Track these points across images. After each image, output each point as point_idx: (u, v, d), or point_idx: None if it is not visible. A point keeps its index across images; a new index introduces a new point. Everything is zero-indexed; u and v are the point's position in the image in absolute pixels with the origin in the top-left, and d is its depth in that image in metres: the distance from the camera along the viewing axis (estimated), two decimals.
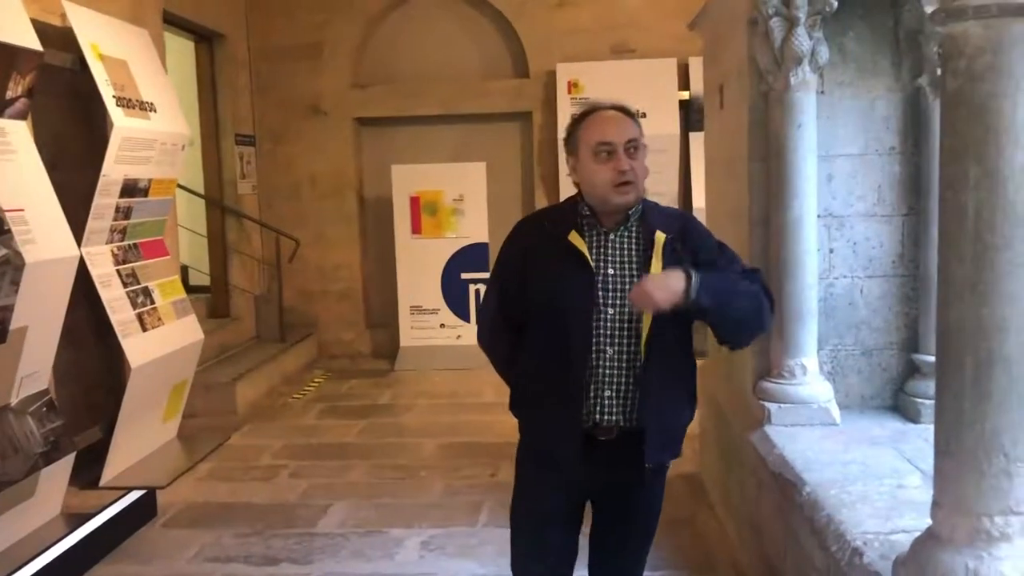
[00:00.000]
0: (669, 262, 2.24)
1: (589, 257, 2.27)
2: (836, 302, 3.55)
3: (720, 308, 2.18)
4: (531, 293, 2.36)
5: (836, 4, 3.18)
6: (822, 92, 3.41)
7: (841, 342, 3.57)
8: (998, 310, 1.76)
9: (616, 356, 2.27)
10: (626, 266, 2.29)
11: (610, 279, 2.28)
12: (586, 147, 2.27)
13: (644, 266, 2.26)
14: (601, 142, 2.24)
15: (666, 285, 2.10)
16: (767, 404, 3.34)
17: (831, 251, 3.52)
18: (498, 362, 2.56)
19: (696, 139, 7.26)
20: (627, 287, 2.25)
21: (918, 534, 2.01)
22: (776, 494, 2.99)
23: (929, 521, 1.94)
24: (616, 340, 2.27)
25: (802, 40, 3.20)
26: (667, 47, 7.61)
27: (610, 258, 2.29)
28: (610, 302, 2.27)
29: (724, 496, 3.97)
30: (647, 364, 2.25)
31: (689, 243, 2.31)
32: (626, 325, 2.27)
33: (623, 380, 2.28)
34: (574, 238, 2.29)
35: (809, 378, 3.34)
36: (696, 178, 7.38)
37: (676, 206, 7.74)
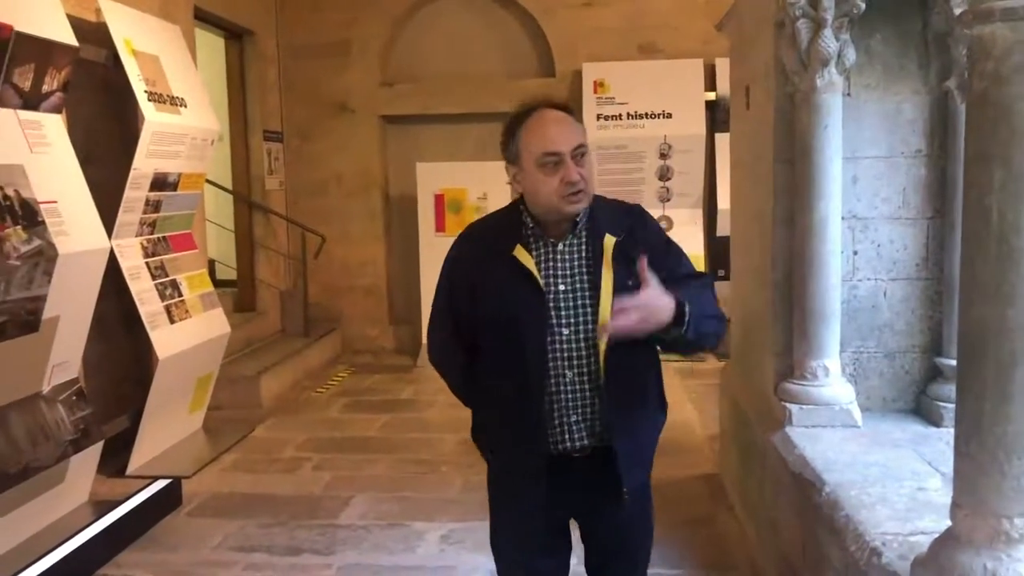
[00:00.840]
0: (621, 267, 2.08)
1: (538, 274, 2.10)
2: (859, 304, 3.54)
3: (698, 339, 2.07)
4: (480, 314, 2.20)
5: (864, 6, 3.17)
6: (848, 94, 3.41)
7: (864, 344, 3.56)
8: (1023, 311, 1.76)
9: (577, 379, 2.12)
10: (577, 279, 2.13)
11: (561, 296, 2.11)
12: (529, 157, 2.10)
13: (595, 277, 2.10)
14: (547, 152, 2.07)
15: (655, 319, 1.96)
16: (788, 405, 3.34)
17: (855, 253, 3.52)
18: (452, 383, 2.39)
19: (722, 140, 7.24)
20: (580, 303, 2.11)
21: (937, 535, 2.01)
22: (796, 494, 2.99)
23: (949, 523, 1.95)
24: (575, 362, 2.11)
25: (829, 42, 3.20)
26: (694, 48, 7.61)
27: (560, 273, 2.13)
28: (564, 321, 2.10)
29: (743, 496, 3.98)
30: (608, 383, 2.10)
31: (638, 241, 2.13)
32: (583, 344, 2.11)
33: (588, 402, 2.13)
34: (520, 253, 2.12)
35: (831, 380, 3.34)
36: (721, 179, 7.36)
37: (701, 208, 7.75)
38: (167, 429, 5.22)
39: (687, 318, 1.99)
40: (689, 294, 2.05)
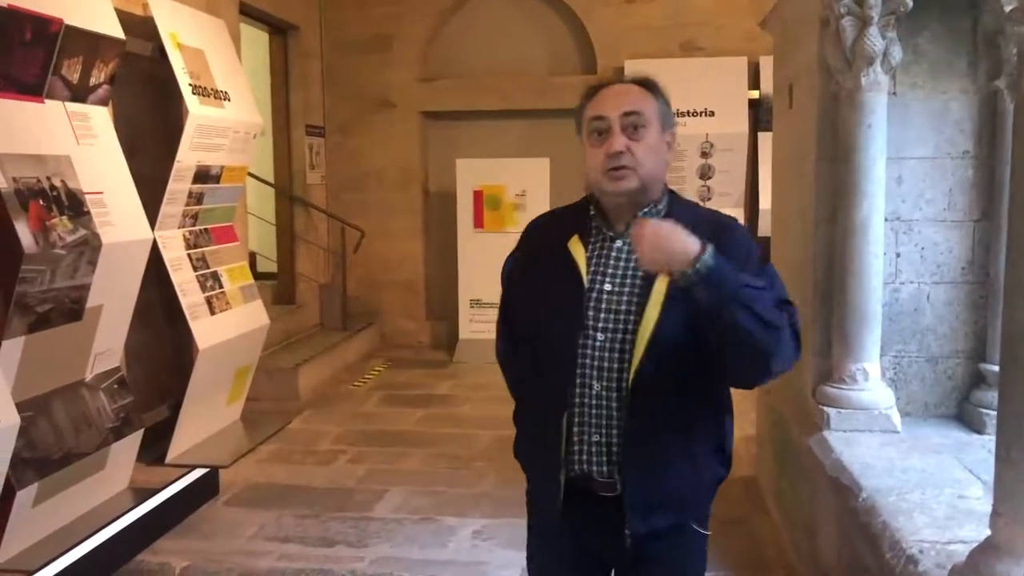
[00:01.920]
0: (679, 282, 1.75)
1: (584, 269, 1.88)
2: (901, 307, 3.48)
3: (720, 309, 1.69)
4: (523, 311, 2.03)
5: (911, 4, 3.12)
6: (894, 93, 3.35)
7: (905, 348, 3.50)
8: None
9: (604, 393, 1.85)
10: (628, 281, 1.87)
11: (605, 296, 1.86)
12: (584, 127, 1.89)
13: (648, 282, 1.82)
14: (594, 116, 1.87)
15: (669, 240, 1.67)
16: (826, 409, 3.30)
17: (898, 255, 3.46)
18: (509, 378, 2.17)
19: (765, 139, 7.17)
20: (623, 307, 1.85)
21: (976, 544, 1.97)
22: (832, 499, 2.95)
23: (989, 532, 1.91)
24: (604, 373, 1.85)
25: (874, 40, 3.15)
26: (738, 46, 7.54)
27: (610, 271, 1.88)
28: (600, 325, 1.85)
29: (779, 499, 3.93)
30: (633, 403, 1.82)
31: None
32: (617, 355, 1.84)
33: (612, 423, 1.86)
34: (574, 245, 1.91)
35: (871, 384, 3.28)
36: (763, 178, 7.29)
37: (742, 208, 7.66)
38: (206, 419, 5.29)
39: (702, 260, 1.65)
40: (745, 279, 1.72)
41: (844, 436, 3.21)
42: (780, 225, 4.36)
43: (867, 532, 2.55)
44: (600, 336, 1.85)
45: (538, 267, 1.98)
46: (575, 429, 1.88)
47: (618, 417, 1.86)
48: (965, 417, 3.42)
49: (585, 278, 1.88)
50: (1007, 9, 3.01)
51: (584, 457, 1.88)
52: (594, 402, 1.86)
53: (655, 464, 1.86)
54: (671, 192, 1.97)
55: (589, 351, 1.86)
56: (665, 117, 1.91)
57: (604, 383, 1.85)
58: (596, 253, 1.91)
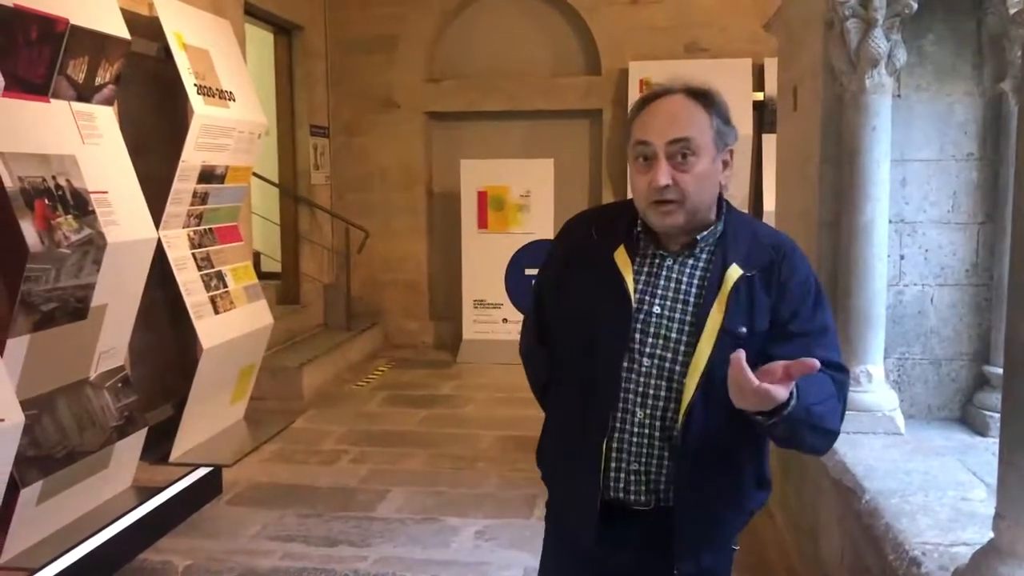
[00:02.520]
0: (738, 310, 1.70)
1: (632, 286, 1.76)
2: (905, 310, 3.48)
3: (791, 437, 1.67)
4: (559, 317, 1.92)
5: (916, 6, 3.12)
6: (898, 95, 3.35)
7: (908, 351, 3.50)
8: None
9: (647, 421, 1.76)
10: (678, 306, 1.76)
11: (654, 320, 1.76)
12: (631, 149, 1.76)
13: (703, 310, 1.72)
14: (638, 141, 1.73)
15: (765, 398, 1.53)
16: None
17: (902, 257, 3.46)
18: (532, 378, 2.06)
19: (769, 141, 7.16)
20: (674, 335, 1.75)
21: (979, 547, 1.97)
22: (835, 501, 2.95)
23: (992, 534, 1.91)
24: (649, 400, 1.76)
25: (879, 42, 3.15)
26: (742, 47, 7.53)
27: (660, 291, 1.77)
28: (648, 350, 1.75)
29: (782, 501, 3.93)
30: (686, 435, 1.73)
31: (771, 291, 1.74)
32: (664, 383, 1.74)
33: (654, 452, 1.77)
34: (620, 256, 1.78)
35: (874, 386, 3.28)
36: (767, 180, 7.28)
37: (746, 210, 7.65)
38: (209, 418, 5.30)
39: (787, 410, 1.58)
40: (816, 389, 1.65)
41: (847, 438, 3.20)
42: (783, 227, 4.35)
43: (870, 534, 2.54)
44: (647, 362, 1.75)
45: (579, 274, 1.85)
46: (613, 455, 1.79)
47: (660, 447, 1.77)
48: (969, 419, 3.42)
49: (633, 297, 1.76)
50: (1012, 12, 3.02)
51: (621, 485, 1.80)
52: (636, 430, 1.77)
53: (705, 501, 1.77)
54: (728, 208, 1.84)
55: (634, 376, 1.77)
56: (721, 136, 1.77)
57: (647, 411, 1.76)
58: (645, 270, 1.79)
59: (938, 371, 3.51)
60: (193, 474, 4.36)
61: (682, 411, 1.72)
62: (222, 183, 5.25)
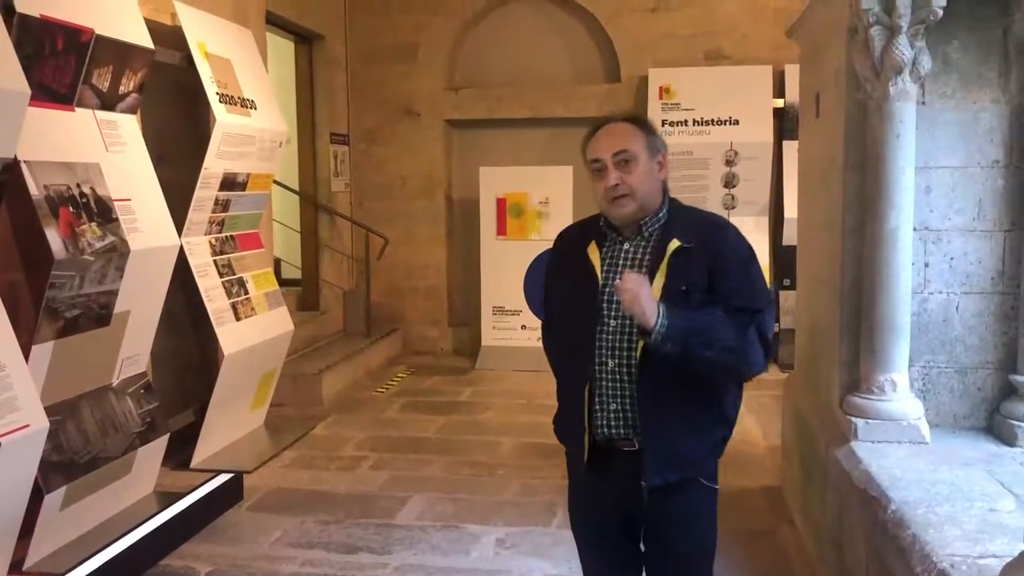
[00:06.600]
0: (674, 273, 2.20)
1: (599, 268, 2.30)
2: (930, 318, 3.44)
3: (686, 355, 2.13)
4: (555, 300, 2.48)
5: (941, 13, 3.09)
6: (922, 102, 3.32)
7: (934, 359, 3.46)
8: None
9: (617, 369, 2.25)
10: None
11: (615, 290, 2.24)
12: (587, 166, 2.32)
13: (649, 276, 2.21)
14: (591, 160, 2.29)
15: (636, 296, 2.08)
16: (854, 419, 3.27)
17: (926, 265, 3.42)
18: (551, 365, 2.56)
19: (790, 148, 7.13)
20: None
21: (1009, 559, 1.94)
22: (860, 511, 2.92)
23: (1022, 546, 1.88)
24: (617, 352, 2.24)
25: (903, 49, 3.12)
26: (763, 54, 7.52)
27: (619, 267, 2.28)
28: (613, 314, 2.25)
29: (805, 510, 3.90)
30: (641, 378, 2.22)
31: (707, 256, 2.22)
32: (626, 337, 2.24)
33: (626, 393, 2.25)
34: (591, 249, 2.33)
35: (899, 394, 3.25)
36: (788, 187, 7.25)
37: (767, 217, 7.63)
38: (230, 424, 5.32)
39: (657, 329, 2.09)
40: (699, 318, 2.14)
41: (872, 447, 3.18)
42: (806, 235, 4.33)
43: (896, 545, 2.52)
44: (612, 322, 2.25)
45: (564, 268, 2.42)
46: (596, 399, 2.28)
47: (630, 388, 2.24)
48: (995, 429, 3.38)
49: (600, 276, 2.29)
50: None
51: (605, 422, 2.28)
52: (609, 376, 2.26)
53: (665, 428, 2.24)
54: (672, 201, 2.35)
55: (604, 335, 2.26)
56: (652, 146, 2.28)
57: (617, 360, 2.25)
58: (609, 255, 2.32)
59: (964, 380, 3.47)
60: (214, 480, 4.38)
61: (637, 354, 2.21)
62: (243, 190, 5.28)
